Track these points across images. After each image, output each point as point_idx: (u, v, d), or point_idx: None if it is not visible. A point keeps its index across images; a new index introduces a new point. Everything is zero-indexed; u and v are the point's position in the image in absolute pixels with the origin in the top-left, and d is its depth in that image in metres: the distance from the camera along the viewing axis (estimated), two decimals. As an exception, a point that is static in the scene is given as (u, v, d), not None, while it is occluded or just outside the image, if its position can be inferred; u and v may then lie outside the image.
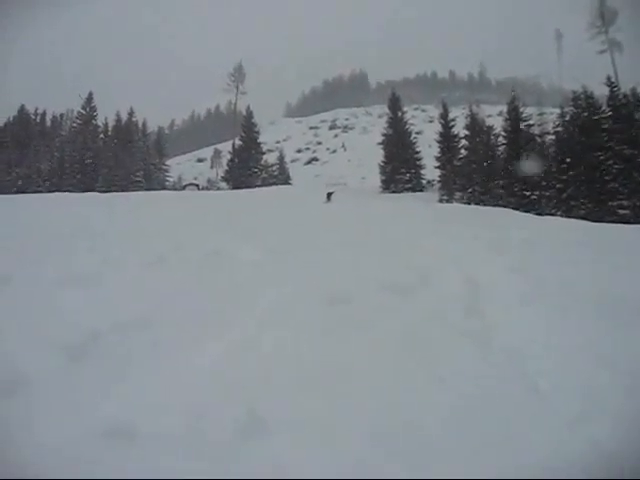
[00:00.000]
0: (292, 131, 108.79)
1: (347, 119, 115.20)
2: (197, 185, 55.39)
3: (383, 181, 40.44)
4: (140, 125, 55.00)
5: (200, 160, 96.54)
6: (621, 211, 27.10)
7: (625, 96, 32.64)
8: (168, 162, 57.65)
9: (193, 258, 8.25)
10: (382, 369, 4.75)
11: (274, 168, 54.16)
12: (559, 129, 33.99)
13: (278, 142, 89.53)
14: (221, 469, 3.18)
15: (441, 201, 31.16)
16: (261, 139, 53.54)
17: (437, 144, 40.24)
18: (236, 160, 50.64)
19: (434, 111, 74.77)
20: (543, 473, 3.47)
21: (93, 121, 54.60)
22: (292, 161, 77.19)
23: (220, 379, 4.35)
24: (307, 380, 4.42)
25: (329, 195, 29.34)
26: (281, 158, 57.89)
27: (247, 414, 3.76)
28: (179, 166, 79.90)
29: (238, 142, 52.50)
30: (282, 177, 53.28)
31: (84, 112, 54.69)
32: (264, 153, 53.93)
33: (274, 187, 36.27)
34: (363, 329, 5.61)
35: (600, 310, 6.86)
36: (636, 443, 3.44)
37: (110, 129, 53.63)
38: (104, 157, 48.19)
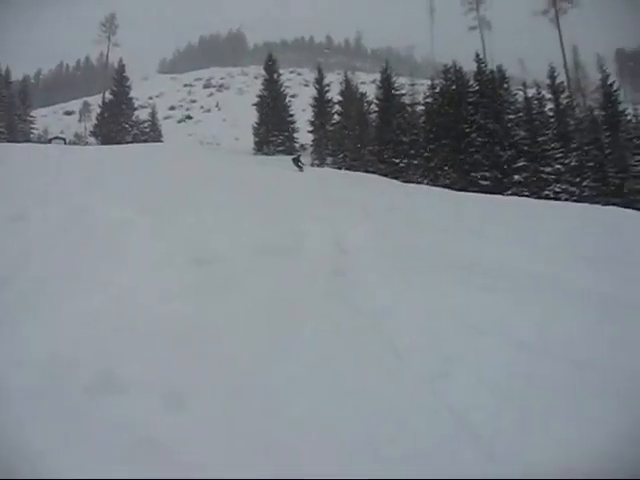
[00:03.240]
0: (165, 88, 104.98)
1: (223, 78, 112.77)
2: (64, 139, 52.17)
3: (256, 143, 40.04)
4: (3, 72, 51.03)
5: (68, 113, 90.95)
6: (483, 182, 28.44)
7: (492, 72, 34.07)
8: (33, 113, 53.89)
9: (56, 215, 7.65)
10: (245, 329, 4.65)
11: (146, 125, 52.00)
12: (429, 100, 35.03)
13: (151, 98, 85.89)
14: (73, 423, 3.14)
15: (313, 165, 31.26)
16: (133, 94, 51.02)
17: (311, 108, 40.28)
18: (106, 115, 48.07)
19: (310, 75, 74.60)
20: (403, 426, 3.52)
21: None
22: (165, 118, 74.57)
23: (79, 337, 4.15)
24: (168, 340, 4.25)
25: (297, 161, 25.81)
26: (153, 115, 55.61)
27: (104, 372, 3.64)
28: (45, 118, 74.79)
29: (109, 96, 49.68)
30: (154, 134, 51.23)
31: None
32: (136, 109, 51.53)
33: (148, 144, 34.84)
34: (230, 289, 5.50)
35: (458, 273, 7.11)
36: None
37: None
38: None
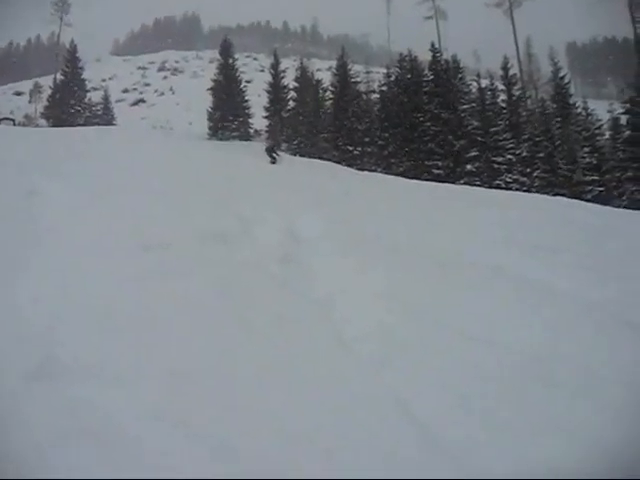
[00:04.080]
0: (119, 70, 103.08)
1: (177, 62, 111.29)
2: (13, 120, 50.70)
3: (210, 128, 39.41)
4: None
5: (18, 94, 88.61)
6: (436, 171, 28.66)
7: (446, 62, 34.32)
8: (-19, 93, 52.40)
9: (2, 198, 7.39)
10: (192, 317, 4.57)
11: (98, 107, 50.90)
12: (384, 89, 35.11)
13: (104, 80, 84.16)
14: (12, 408, 3.08)
15: (266, 150, 31.05)
16: (85, 76, 49.62)
17: (266, 94, 39.95)
18: (57, 96, 46.74)
19: (266, 61, 74.26)
20: (345, 415, 3.50)
21: None
22: (117, 101, 73.17)
23: (22, 322, 4.07)
24: (113, 326, 4.17)
25: (271, 151, 23.36)
26: (106, 97, 54.30)
27: (45, 357, 3.56)
28: (-7, 98, 73.02)
29: (60, 77, 48.32)
30: (107, 117, 50.18)
31: None
32: (88, 91, 50.15)
33: (99, 128, 34.02)
34: (178, 276, 5.40)
35: (409, 261, 7.15)
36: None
37: None
38: None
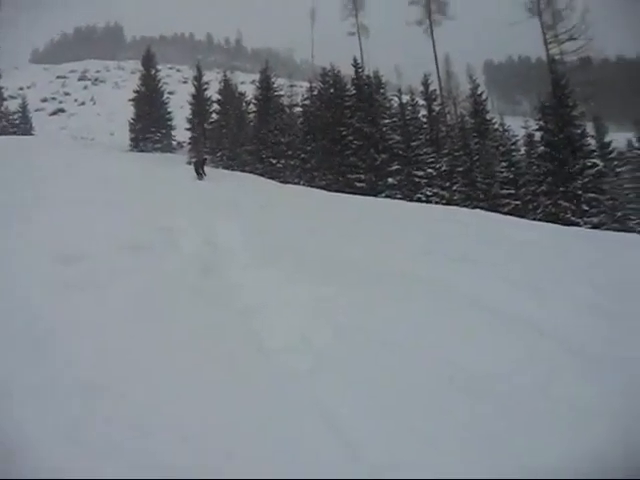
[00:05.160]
0: (38, 78, 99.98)
1: (98, 71, 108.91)
2: None
3: (132, 139, 38.71)
4: None
5: None
6: (358, 184, 28.92)
7: (368, 77, 34.84)
8: None
9: None
10: (114, 328, 4.50)
11: (15, 117, 49.18)
12: (307, 102, 35.33)
13: (21, 89, 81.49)
14: None
15: (189, 163, 30.68)
16: (2, 83, 48.30)
17: (189, 106, 39.59)
18: (-28, 104, 45.33)
19: (189, 72, 73.54)
20: (266, 425, 3.45)
21: None
22: (36, 110, 71.00)
23: None
24: (29, 344, 4.03)
25: (198, 167, 22.29)
26: (24, 106, 52.55)
27: None
28: None
29: (-25, 84, 46.95)
30: (24, 127, 48.50)
31: None
32: (5, 99, 48.84)
33: (14, 137, 32.84)
34: (98, 288, 5.27)
35: (328, 271, 7.16)
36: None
37: None
38: None
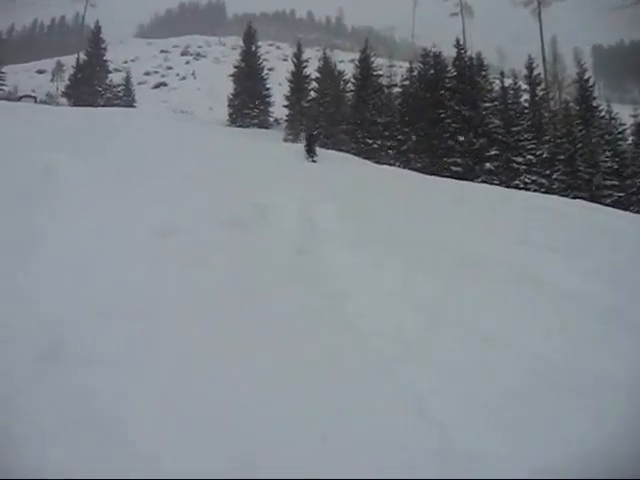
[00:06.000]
0: (142, 52, 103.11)
1: (200, 47, 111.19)
2: (34, 97, 50.83)
3: (230, 114, 39.46)
4: (-28, 25, 49.69)
5: (40, 72, 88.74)
6: (455, 168, 28.50)
7: (470, 59, 34.08)
8: (4, 70, 52.35)
9: (20, 175, 7.38)
10: (203, 305, 4.54)
11: (119, 89, 50.88)
12: (406, 83, 34.98)
13: (126, 62, 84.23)
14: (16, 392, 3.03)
15: (286, 140, 30.93)
16: (108, 57, 49.84)
17: (288, 83, 39.87)
18: (79, 76, 46.97)
19: (289, 50, 74.19)
20: (359, 412, 3.47)
21: None
22: (139, 83, 73.23)
23: (33, 302, 4.04)
24: (123, 314, 4.11)
25: (310, 143, 21.09)
26: (128, 79, 54.28)
27: (52, 341, 3.53)
28: (16, 76, 72.67)
29: (83, 57, 48.61)
30: (127, 99, 50.06)
31: None
32: (110, 72, 50.32)
33: (120, 109, 34.02)
34: (192, 264, 5.34)
35: (422, 256, 7.10)
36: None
37: None
38: None
